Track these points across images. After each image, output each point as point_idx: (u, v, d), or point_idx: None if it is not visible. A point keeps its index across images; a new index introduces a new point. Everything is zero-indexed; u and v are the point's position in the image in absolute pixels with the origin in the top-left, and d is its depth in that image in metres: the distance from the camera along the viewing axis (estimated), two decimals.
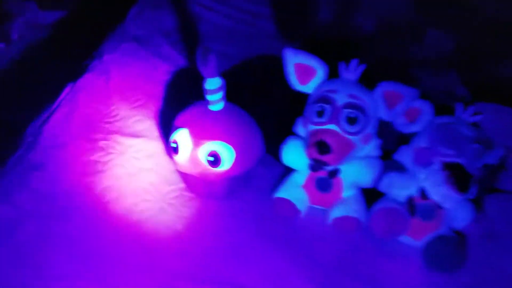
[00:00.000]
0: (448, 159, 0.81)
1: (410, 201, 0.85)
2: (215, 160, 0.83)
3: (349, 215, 0.84)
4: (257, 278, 0.80)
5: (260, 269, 0.81)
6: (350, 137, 0.82)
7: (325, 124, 0.82)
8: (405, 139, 0.90)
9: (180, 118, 0.88)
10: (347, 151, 0.82)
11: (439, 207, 0.84)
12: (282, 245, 0.85)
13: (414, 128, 0.88)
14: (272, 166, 0.94)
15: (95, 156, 0.96)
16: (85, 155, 0.96)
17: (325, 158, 0.80)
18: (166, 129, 1.02)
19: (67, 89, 1.12)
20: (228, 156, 0.84)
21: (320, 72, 0.87)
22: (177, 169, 0.90)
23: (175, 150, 0.86)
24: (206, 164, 0.84)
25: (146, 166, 0.95)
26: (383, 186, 0.87)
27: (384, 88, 0.84)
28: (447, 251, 0.82)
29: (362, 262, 0.84)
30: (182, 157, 0.86)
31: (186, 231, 0.86)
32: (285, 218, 0.88)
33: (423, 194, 0.84)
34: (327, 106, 0.82)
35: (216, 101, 0.85)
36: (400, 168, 0.88)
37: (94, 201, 0.87)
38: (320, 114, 0.82)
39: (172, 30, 1.30)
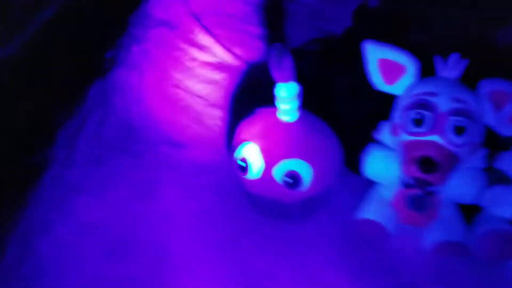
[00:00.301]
0: None
1: None
2: (294, 181, 0.70)
3: (452, 239, 0.73)
4: None
5: None
6: (456, 149, 0.68)
7: (426, 135, 0.68)
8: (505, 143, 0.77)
9: (246, 130, 0.75)
10: (453, 166, 0.69)
11: None
12: (372, 274, 0.73)
13: None
14: (349, 179, 0.81)
15: (141, 174, 0.83)
16: (129, 172, 0.83)
17: (430, 177, 0.67)
18: (221, 136, 0.89)
19: (94, 88, 0.98)
20: (308, 175, 0.71)
21: (410, 69, 0.73)
22: (246, 189, 0.77)
23: (244, 169, 0.73)
24: (283, 185, 0.71)
25: (204, 184, 0.81)
26: (486, 202, 0.75)
27: (490, 87, 0.71)
28: None
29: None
30: (253, 178, 0.73)
31: (258, 261, 0.74)
32: (373, 242, 0.76)
33: None
34: (427, 113, 0.68)
35: (290, 111, 0.71)
36: (503, 179, 0.75)
37: (149, 234, 0.75)
38: (418, 122, 0.69)
39: (204, 12, 1.14)
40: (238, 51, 1.01)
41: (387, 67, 0.73)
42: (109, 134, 0.89)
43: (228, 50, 1.04)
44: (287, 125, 0.72)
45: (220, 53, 1.04)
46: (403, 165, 0.70)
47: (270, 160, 0.71)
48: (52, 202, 0.79)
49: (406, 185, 0.74)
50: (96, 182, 0.81)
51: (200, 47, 1.06)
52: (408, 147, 0.70)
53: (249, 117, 0.77)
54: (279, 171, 0.71)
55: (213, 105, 0.94)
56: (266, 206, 0.76)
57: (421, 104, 0.69)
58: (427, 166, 0.66)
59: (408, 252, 0.76)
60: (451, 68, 0.72)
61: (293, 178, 0.70)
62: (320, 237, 0.77)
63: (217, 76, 0.99)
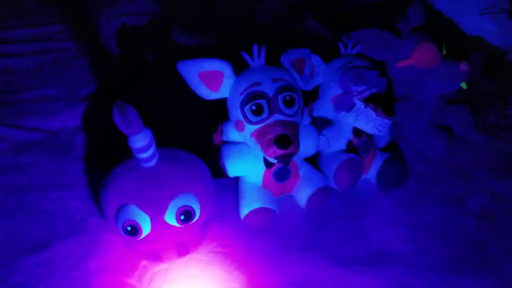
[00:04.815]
0: (365, 94, 0.86)
1: (350, 144, 0.90)
2: (188, 215, 0.72)
3: (319, 187, 0.86)
4: None
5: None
6: (294, 118, 0.79)
7: (269, 118, 0.77)
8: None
9: (116, 194, 0.72)
10: (298, 132, 0.80)
11: (370, 138, 0.92)
12: (281, 248, 0.82)
13: (315, 83, 0.90)
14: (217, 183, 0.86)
15: None
16: None
17: (290, 150, 0.76)
18: None
19: None
20: (195, 202, 0.73)
21: (227, 72, 0.79)
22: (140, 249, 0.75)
23: (134, 231, 0.71)
24: (179, 224, 0.72)
25: None
26: (321, 146, 0.90)
27: (291, 57, 0.83)
28: (397, 168, 0.92)
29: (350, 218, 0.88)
30: (144, 235, 0.71)
31: None
32: (266, 225, 0.84)
33: (356, 133, 0.89)
34: (262, 101, 0.77)
35: (150, 157, 0.71)
36: (325, 122, 0.91)
37: None
38: (258, 111, 0.77)
39: None
40: None
41: (207, 78, 0.78)
42: None
43: None
44: (152, 169, 0.72)
45: None
46: (264, 150, 0.77)
47: (155, 210, 0.71)
48: None
49: (269, 165, 0.83)
50: None
51: None
52: (260, 134, 0.77)
53: (110, 179, 0.73)
54: (171, 215, 0.71)
55: None
56: (167, 251, 0.76)
57: (253, 96, 0.77)
58: (284, 142, 0.75)
59: (294, 217, 0.86)
60: (257, 58, 0.81)
61: (185, 213, 0.72)
62: (232, 247, 0.81)
63: None
